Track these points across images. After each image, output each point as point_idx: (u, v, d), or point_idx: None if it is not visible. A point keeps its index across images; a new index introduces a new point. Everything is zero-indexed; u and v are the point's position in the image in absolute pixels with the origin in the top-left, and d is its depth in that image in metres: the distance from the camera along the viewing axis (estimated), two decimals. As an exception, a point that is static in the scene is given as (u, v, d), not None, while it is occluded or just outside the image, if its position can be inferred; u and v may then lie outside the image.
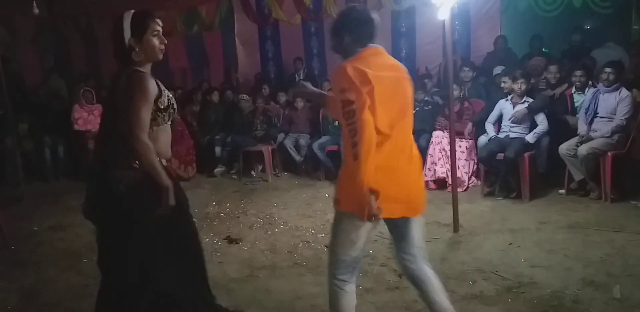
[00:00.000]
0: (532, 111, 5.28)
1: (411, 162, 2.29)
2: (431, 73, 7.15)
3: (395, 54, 7.62)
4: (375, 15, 2.30)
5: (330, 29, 2.35)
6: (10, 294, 3.38)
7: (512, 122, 5.34)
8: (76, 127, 6.96)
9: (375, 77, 2.12)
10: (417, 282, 2.47)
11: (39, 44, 8.35)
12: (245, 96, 7.12)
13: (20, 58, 8.57)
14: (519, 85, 5.30)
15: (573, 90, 5.51)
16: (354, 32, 2.26)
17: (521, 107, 5.32)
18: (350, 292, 2.34)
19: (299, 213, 5.00)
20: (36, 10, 6.58)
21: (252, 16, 8.36)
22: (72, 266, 3.84)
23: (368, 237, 2.30)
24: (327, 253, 2.38)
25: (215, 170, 6.92)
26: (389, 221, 2.37)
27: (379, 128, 2.11)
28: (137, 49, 2.27)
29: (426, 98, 6.23)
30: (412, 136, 2.34)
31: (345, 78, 2.12)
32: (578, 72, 5.39)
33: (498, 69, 6.37)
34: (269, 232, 4.48)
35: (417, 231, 2.40)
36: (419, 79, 6.93)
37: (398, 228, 2.39)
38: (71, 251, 4.18)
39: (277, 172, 6.88)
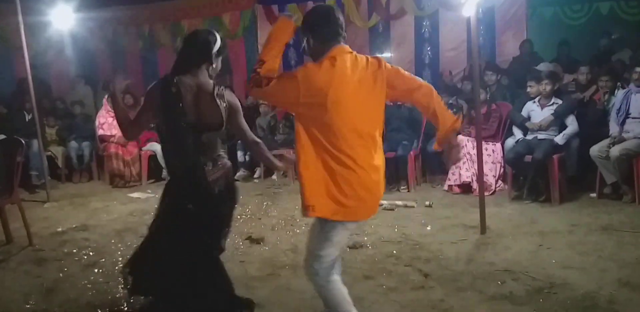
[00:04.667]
0: (558, 117, 5.16)
1: (376, 165, 2.26)
2: (453, 78, 7.09)
3: (419, 59, 7.60)
4: (338, 13, 2.25)
5: (300, 31, 2.30)
6: (32, 290, 3.37)
7: (540, 130, 5.22)
8: (101, 132, 7.03)
9: (334, 79, 2.13)
10: None
11: (66, 53, 8.50)
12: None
13: (49, 66, 8.75)
14: (544, 86, 5.19)
15: (602, 95, 5.38)
16: (317, 32, 2.22)
17: (548, 110, 5.20)
18: (337, 280, 2.34)
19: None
20: None
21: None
22: (95, 263, 3.83)
23: (346, 235, 2.34)
24: (306, 256, 2.35)
25: (237, 174, 6.90)
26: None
27: (342, 132, 2.15)
28: (214, 65, 2.55)
29: (450, 101, 6.15)
30: (376, 139, 2.28)
31: (289, 73, 2.21)
32: (604, 77, 5.30)
33: (541, 66, 6.20)
34: (290, 233, 4.42)
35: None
36: (443, 83, 6.90)
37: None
38: (94, 249, 4.18)
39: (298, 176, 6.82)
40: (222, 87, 2.53)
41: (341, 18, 2.26)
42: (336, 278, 2.35)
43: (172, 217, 2.56)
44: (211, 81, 2.53)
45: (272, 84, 2.17)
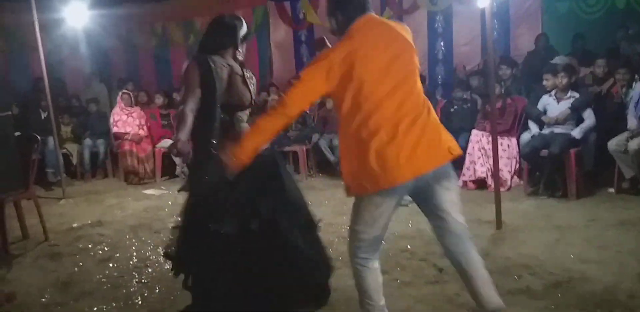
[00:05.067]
0: (575, 110, 5.08)
1: (414, 125, 2.12)
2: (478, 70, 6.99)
3: (432, 54, 7.50)
4: None
5: (326, 13, 2.29)
6: (48, 284, 3.41)
7: (556, 123, 5.15)
8: (115, 129, 7.08)
9: (360, 49, 2.08)
10: (460, 270, 2.34)
11: (80, 50, 8.56)
12: (275, 97, 7.09)
13: (64, 63, 8.82)
14: (560, 79, 5.12)
15: (619, 89, 5.29)
16: (343, 8, 2.20)
17: (565, 103, 5.13)
18: (374, 269, 2.31)
19: (334, 211, 4.90)
20: None
21: (287, 20, 8.41)
22: (110, 257, 3.86)
23: (389, 215, 2.24)
24: (348, 233, 2.33)
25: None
26: (413, 195, 2.26)
27: (361, 99, 2.09)
28: (240, 49, 2.58)
29: (465, 96, 6.09)
30: (417, 101, 2.17)
31: (319, 56, 2.15)
32: (621, 70, 5.22)
33: (557, 59, 6.12)
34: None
35: (446, 197, 2.22)
36: (458, 79, 6.83)
37: (425, 200, 2.26)
38: (109, 244, 4.21)
39: (311, 173, 6.82)
40: (248, 70, 2.61)
41: None
42: (375, 266, 2.31)
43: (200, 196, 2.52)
44: (238, 65, 2.58)
45: (302, 74, 2.14)
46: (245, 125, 2.61)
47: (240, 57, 2.60)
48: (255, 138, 2.22)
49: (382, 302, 2.35)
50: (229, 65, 2.53)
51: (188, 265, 2.66)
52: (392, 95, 2.11)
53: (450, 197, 2.24)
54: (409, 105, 2.13)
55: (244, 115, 2.62)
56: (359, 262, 2.29)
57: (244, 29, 2.56)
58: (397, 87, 2.12)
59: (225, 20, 2.58)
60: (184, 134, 2.40)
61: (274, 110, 2.18)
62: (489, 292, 2.28)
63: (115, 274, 3.53)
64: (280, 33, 8.67)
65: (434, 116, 2.22)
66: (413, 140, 2.09)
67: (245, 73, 2.58)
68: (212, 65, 2.45)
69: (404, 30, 2.25)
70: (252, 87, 2.60)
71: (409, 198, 2.37)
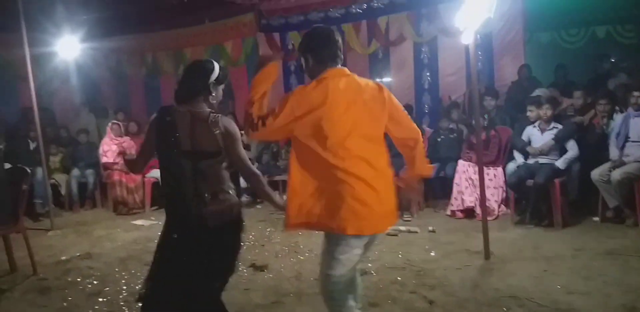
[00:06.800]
0: (559, 141, 5.21)
1: (377, 178, 2.30)
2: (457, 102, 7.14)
3: (418, 84, 7.67)
4: (337, 36, 2.33)
5: (297, 49, 2.40)
6: (36, 320, 3.37)
7: (541, 154, 5.26)
8: (105, 159, 7.07)
9: (327, 100, 2.20)
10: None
11: (71, 81, 8.63)
12: None
13: (54, 94, 8.86)
14: (545, 111, 5.26)
15: (600, 119, 5.43)
16: (316, 53, 2.30)
17: (549, 134, 5.25)
18: (350, 307, 2.35)
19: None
20: None
21: (276, 51, 8.57)
22: (100, 291, 3.82)
23: (360, 255, 2.34)
24: (320, 279, 2.36)
25: (241, 199, 6.91)
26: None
27: (328, 146, 2.21)
28: (213, 94, 2.54)
29: (451, 126, 6.21)
30: (376, 154, 2.33)
31: (283, 99, 2.26)
32: (602, 101, 5.35)
33: (538, 91, 6.29)
34: (295, 260, 4.41)
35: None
36: (443, 109, 6.97)
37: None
38: (98, 277, 4.17)
39: (302, 202, 6.83)
40: (217, 115, 2.50)
41: (340, 41, 2.33)
42: (352, 304, 2.35)
43: (162, 247, 2.53)
44: (207, 109, 2.52)
45: (268, 121, 2.24)
46: (219, 168, 2.51)
47: (212, 101, 2.56)
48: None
49: None
50: (191, 113, 2.48)
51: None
52: (358, 154, 2.26)
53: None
54: (373, 157, 2.30)
55: (215, 162, 2.49)
56: (339, 304, 2.32)
57: (215, 73, 2.51)
58: (362, 145, 2.27)
59: (196, 66, 2.57)
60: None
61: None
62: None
63: (105, 308, 3.50)
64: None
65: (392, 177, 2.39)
66: (382, 197, 2.29)
67: (210, 118, 2.47)
68: (169, 119, 2.47)
69: (374, 90, 2.33)
70: (218, 131, 2.46)
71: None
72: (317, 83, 2.26)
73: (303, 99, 2.23)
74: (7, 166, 4.75)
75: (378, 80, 7.81)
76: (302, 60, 2.35)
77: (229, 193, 2.52)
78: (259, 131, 2.27)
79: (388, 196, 2.32)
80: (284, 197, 2.43)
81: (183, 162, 2.44)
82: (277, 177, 6.81)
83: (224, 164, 2.53)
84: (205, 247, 2.43)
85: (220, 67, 2.54)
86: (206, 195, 2.43)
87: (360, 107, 2.26)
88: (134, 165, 2.71)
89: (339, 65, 2.32)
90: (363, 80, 2.35)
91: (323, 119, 2.19)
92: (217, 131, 2.45)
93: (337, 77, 2.28)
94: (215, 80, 2.51)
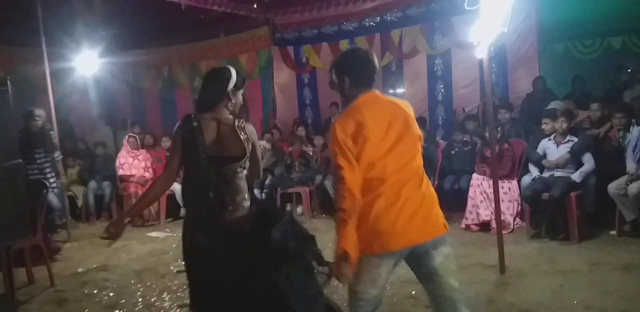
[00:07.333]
0: (575, 154, 5.17)
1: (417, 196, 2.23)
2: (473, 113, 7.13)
3: (432, 97, 7.69)
4: (374, 58, 2.32)
5: (331, 67, 2.37)
6: (53, 332, 3.41)
7: (557, 167, 5.23)
8: (121, 171, 7.18)
9: (366, 126, 2.16)
10: None
11: (89, 95, 8.79)
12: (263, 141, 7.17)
13: (72, 108, 9.02)
14: (560, 124, 5.23)
15: (616, 132, 5.38)
16: (352, 73, 2.28)
17: (564, 147, 5.22)
18: None
19: (339, 254, 4.92)
20: None
21: (290, 64, 8.67)
22: (116, 304, 3.87)
23: (387, 275, 2.29)
24: (348, 293, 2.34)
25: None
26: (409, 259, 2.31)
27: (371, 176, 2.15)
28: (233, 101, 2.59)
29: (465, 138, 6.20)
30: (417, 175, 2.27)
31: (334, 142, 2.18)
32: (618, 114, 5.30)
33: (553, 104, 6.24)
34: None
35: (442, 262, 2.28)
36: (457, 121, 6.96)
37: (421, 265, 2.31)
38: (114, 289, 4.22)
39: (315, 214, 6.87)
40: (242, 120, 2.61)
41: (376, 62, 2.33)
42: None
43: (191, 256, 2.56)
44: (230, 115, 2.59)
45: (348, 182, 2.13)
46: (242, 176, 2.59)
47: (231, 108, 2.62)
48: (345, 231, 2.15)
49: None
50: (217, 119, 2.56)
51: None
52: (397, 172, 2.20)
53: (446, 262, 2.29)
54: (411, 177, 2.24)
55: (238, 167, 2.57)
56: None
57: (232, 79, 2.57)
58: (402, 166, 2.22)
59: (214, 74, 2.64)
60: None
61: (343, 211, 2.14)
62: None
63: (121, 321, 3.54)
64: (283, 76, 8.90)
65: (432, 190, 2.32)
66: (411, 211, 2.19)
67: (237, 123, 2.59)
68: (195, 124, 2.52)
69: (407, 107, 2.34)
70: (245, 136, 2.58)
71: None
72: (351, 111, 2.25)
73: (345, 128, 2.20)
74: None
75: (391, 92, 7.85)
76: (336, 79, 2.33)
77: (248, 202, 2.58)
78: (345, 178, 2.14)
79: (423, 209, 2.25)
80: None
81: (209, 168, 2.50)
82: (291, 190, 6.84)
83: (245, 172, 2.60)
84: (238, 244, 2.46)
85: (237, 72, 2.61)
86: (228, 202, 2.50)
87: (398, 126, 2.24)
88: (164, 176, 2.62)
89: (373, 89, 2.31)
90: (395, 101, 2.35)
91: (367, 143, 2.16)
92: (245, 136, 2.57)
93: (370, 101, 2.27)
94: (234, 86, 2.58)
